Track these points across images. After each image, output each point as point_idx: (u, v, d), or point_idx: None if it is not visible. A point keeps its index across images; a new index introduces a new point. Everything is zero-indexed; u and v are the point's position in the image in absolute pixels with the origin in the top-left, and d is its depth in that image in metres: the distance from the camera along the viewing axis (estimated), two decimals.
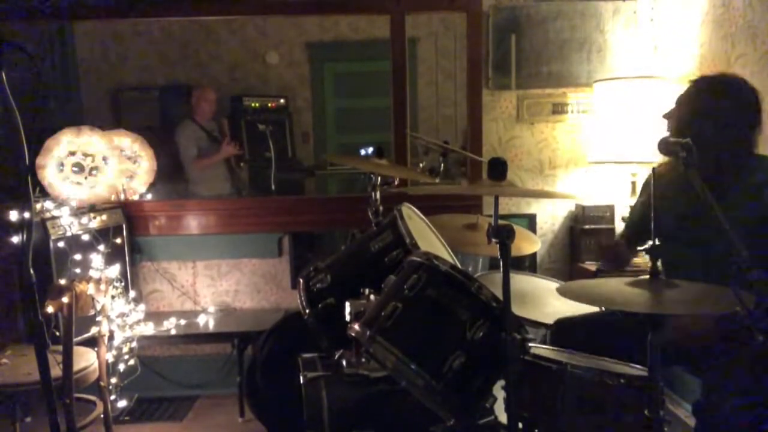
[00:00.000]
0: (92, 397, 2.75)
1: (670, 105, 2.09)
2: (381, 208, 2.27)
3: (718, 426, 1.70)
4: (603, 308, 2.08)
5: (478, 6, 3.36)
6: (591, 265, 3.24)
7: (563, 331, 2.09)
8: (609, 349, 1.82)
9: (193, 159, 4.48)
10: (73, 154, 3.09)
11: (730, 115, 1.95)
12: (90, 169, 3.11)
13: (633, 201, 3.16)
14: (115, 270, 2.92)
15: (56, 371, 2.31)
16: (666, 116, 2.09)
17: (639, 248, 2.34)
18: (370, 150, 2.49)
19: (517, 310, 1.73)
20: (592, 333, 2.02)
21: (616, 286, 1.51)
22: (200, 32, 5.58)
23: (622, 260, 2.47)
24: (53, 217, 2.89)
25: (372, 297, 1.82)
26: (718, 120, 1.93)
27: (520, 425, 1.55)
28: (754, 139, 1.99)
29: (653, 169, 1.60)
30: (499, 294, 1.53)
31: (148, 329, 3.13)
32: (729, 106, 1.96)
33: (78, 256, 2.89)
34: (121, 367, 3.03)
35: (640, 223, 2.27)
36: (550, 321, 2.13)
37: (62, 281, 2.48)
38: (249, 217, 3.51)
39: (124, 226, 3.26)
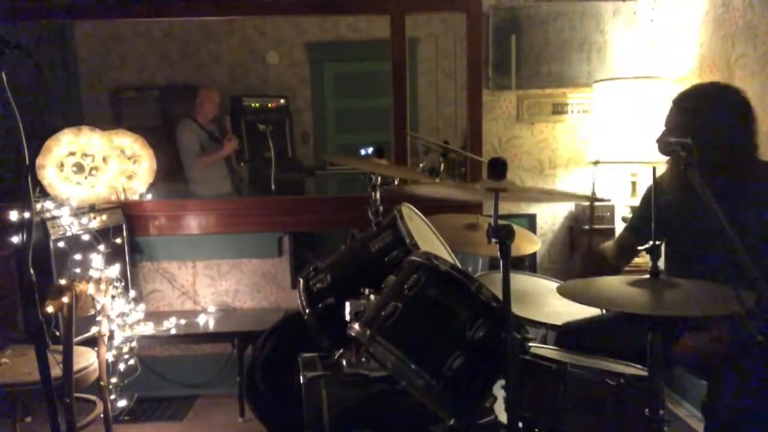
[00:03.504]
0: (92, 397, 2.75)
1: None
2: (381, 208, 2.27)
3: (728, 426, 1.69)
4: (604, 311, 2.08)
5: (478, 6, 3.36)
6: None
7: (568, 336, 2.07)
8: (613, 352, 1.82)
9: (194, 157, 4.48)
10: (73, 154, 3.10)
11: (712, 128, 1.84)
12: (90, 169, 3.12)
13: (633, 201, 3.16)
14: (115, 270, 2.92)
15: (56, 371, 2.30)
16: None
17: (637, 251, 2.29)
18: (370, 150, 2.49)
19: (517, 310, 1.73)
20: (597, 337, 2.01)
21: (616, 285, 1.50)
22: (200, 32, 5.58)
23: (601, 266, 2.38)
24: (53, 217, 2.88)
25: (372, 297, 1.82)
26: (699, 137, 1.77)
27: (520, 425, 1.55)
28: (749, 143, 1.88)
29: (654, 168, 1.59)
30: (499, 294, 1.53)
31: (148, 329, 3.14)
32: (707, 118, 1.85)
33: (78, 256, 2.89)
34: (121, 367, 3.03)
35: (641, 234, 2.18)
36: (550, 321, 2.13)
37: (62, 281, 2.48)
38: (249, 217, 3.51)
39: (124, 226, 3.25)
